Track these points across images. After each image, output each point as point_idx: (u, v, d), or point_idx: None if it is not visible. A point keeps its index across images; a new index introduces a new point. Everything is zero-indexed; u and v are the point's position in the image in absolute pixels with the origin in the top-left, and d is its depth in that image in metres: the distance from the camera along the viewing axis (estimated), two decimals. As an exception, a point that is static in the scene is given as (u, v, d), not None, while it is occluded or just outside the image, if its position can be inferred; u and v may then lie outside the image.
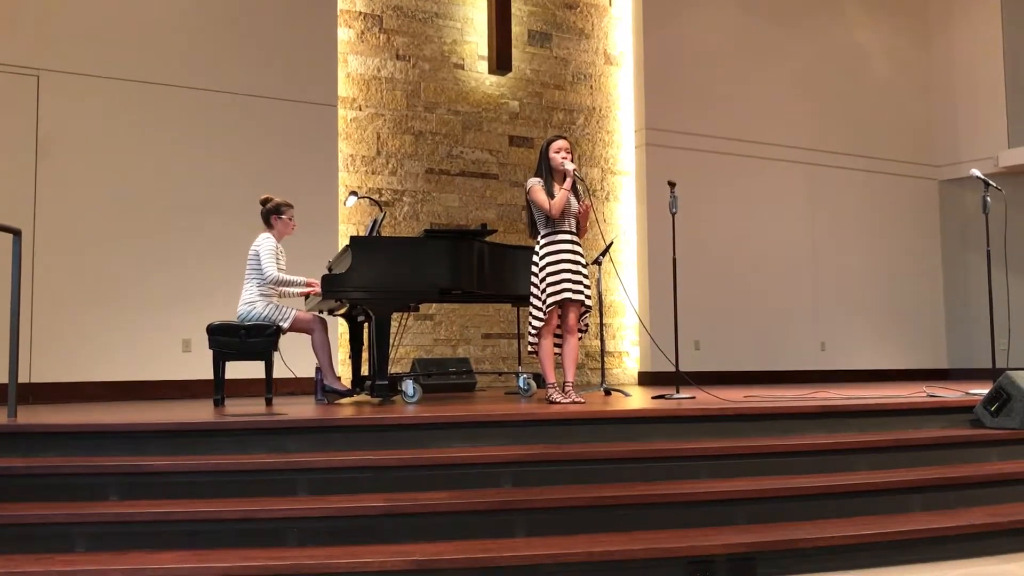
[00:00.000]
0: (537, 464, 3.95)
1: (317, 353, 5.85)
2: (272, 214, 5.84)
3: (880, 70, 11.75)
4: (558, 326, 5.32)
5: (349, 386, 6.27)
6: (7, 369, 4.47)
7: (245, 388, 7.04)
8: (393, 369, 7.58)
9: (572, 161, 5.28)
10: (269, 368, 5.62)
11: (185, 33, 8.07)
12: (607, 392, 6.41)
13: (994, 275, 6.05)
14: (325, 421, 4.16)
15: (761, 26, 10.90)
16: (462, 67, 9.46)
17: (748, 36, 10.80)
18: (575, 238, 5.28)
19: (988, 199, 6.02)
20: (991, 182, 6.06)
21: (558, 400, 5.16)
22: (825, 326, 10.98)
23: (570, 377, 5.31)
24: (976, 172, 6.19)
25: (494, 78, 9.59)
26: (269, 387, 5.66)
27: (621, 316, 10.02)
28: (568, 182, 5.20)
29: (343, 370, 7.97)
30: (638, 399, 5.82)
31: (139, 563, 3.22)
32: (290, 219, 5.90)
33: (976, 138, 11.51)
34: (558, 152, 5.25)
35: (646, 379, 9.80)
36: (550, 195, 5.19)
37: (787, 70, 11.01)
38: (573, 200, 5.27)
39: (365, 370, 6.66)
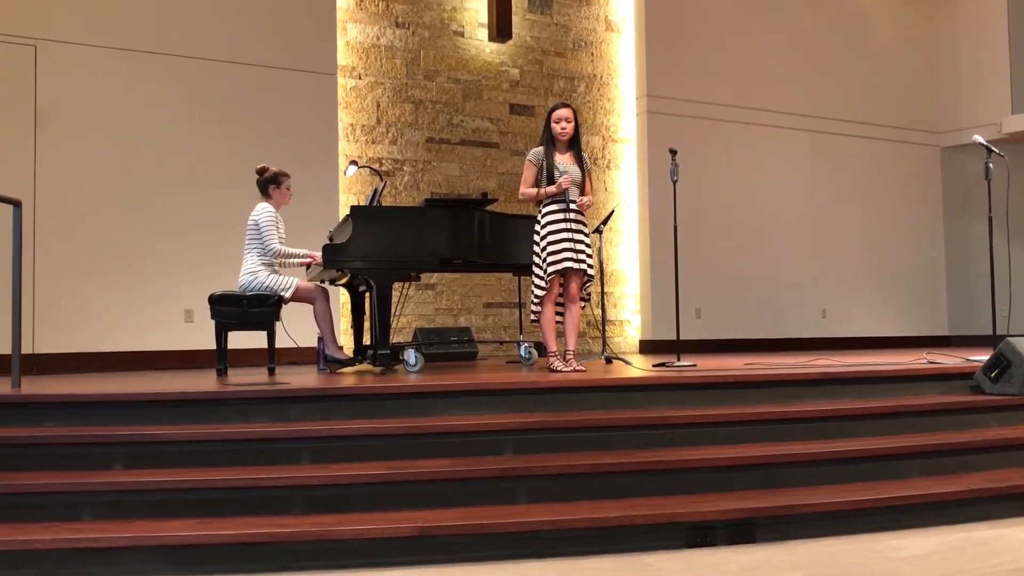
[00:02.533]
0: (538, 432, 3.97)
1: (319, 323, 5.87)
2: (270, 184, 5.83)
3: (883, 36, 11.65)
4: (560, 295, 5.32)
5: (351, 355, 6.29)
6: (10, 340, 4.49)
7: (247, 358, 7.07)
8: (395, 338, 7.59)
9: (575, 128, 5.26)
10: (271, 338, 5.64)
11: (182, 1, 8.00)
12: (608, 360, 6.43)
13: (996, 242, 6.04)
14: (327, 390, 4.18)
15: (763, -9, 10.81)
16: (462, 34, 9.38)
17: (750, 1, 10.70)
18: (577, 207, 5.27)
19: (991, 165, 5.99)
20: (994, 148, 6.03)
21: (559, 368, 5.18)
22: (826, 293, 10.98)
23: (571, 345, 5.32)
24: (979, 138, 6.16)
25: (494, 45, 9.52)
26: (271, 357, 5.67)
27: (622, 285, 10.02)
28: (553, 189, 5.16)
29: (345, 340, 8.00)
30: (639, 367, 5.84)
31: (145, 531, 3.25)
32: (288, 188, 5.90)
33: (979, 104, 11.44)
34: (558, 122, 5.24)
35: (647, 347, 9.82)
36: (550, 168, 5.18)
37: (789, 36, 10.92)
38: (576, 169, 5.25)
39: (367, 339, 6.68)
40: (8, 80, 7.37)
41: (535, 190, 5.21)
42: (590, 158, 5.39)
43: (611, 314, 9.90)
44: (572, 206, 5.20)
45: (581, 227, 5.25)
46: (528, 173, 5.25)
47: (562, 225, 5.18)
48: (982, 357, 5.24)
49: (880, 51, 11.59)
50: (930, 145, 11.89)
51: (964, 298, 11.65)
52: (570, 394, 4.30)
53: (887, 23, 11.69)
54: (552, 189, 5.15)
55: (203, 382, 4.94)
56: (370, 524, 3.33)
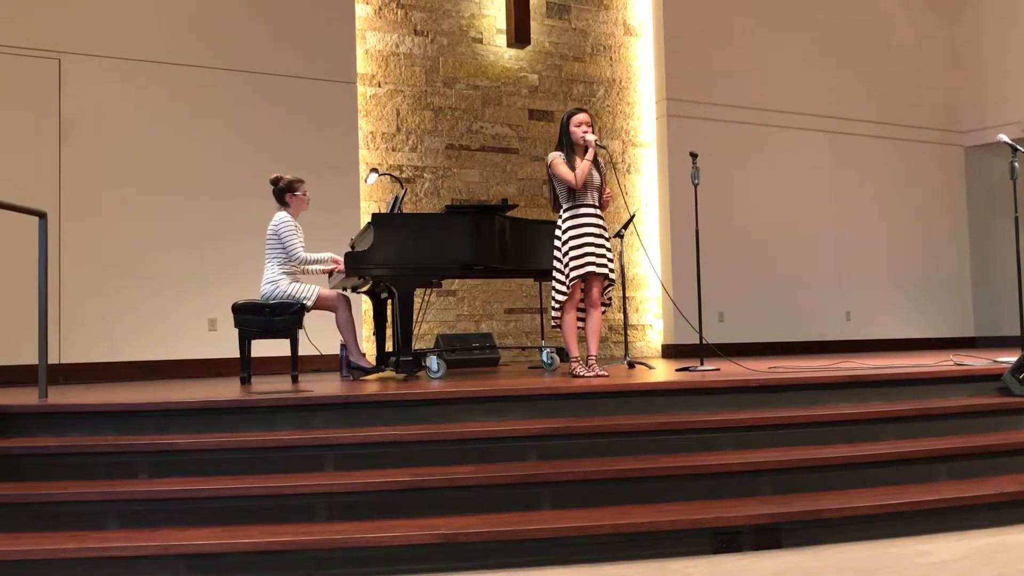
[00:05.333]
0: (561, 437, 3.96)
1: (342, 330, 5.88)
2: (286, 192, 5.85)
3: (904, 35, 11.57)
4: (581, 300, 5.31)
5: (374, 362, 6.30)
6: (37, 350, 4.53)
7: (271, 366, 7.10)
8: (417, 345, 7.61)
9: (592, 134, 5.25)
10: (294, 346, 5.66)
11: (204, 13, 8.08)
12: (631, 365, 6.41)
13: (1022, 241, 5.96)
14: (351, 397, 4.19)
15: (783, -7, 10.76)
16: (480, 41, 9.40)
17: (769, 3, 10.66)
18: (598, 211, 5.26)
19: (1015, 164, 5.92)
20: (1019, 147, 5.96)
21: (581, 374, 5.17)
22: (850, 295, 10.90)
23: (593, 351, 5.31)
24: (1003, 137, 6.09)
25: (513, 51, 9.53)
26: (295, 364, 5.70)
27: (644, 289, 9.99)
28: (590, 153, 5.17)
29: (368, 347, 8.02)
30: (662, 372, 5.82)
31: (170, 539, 3.27)
32: (304, 194, 5.91)
33: (1003, 103, 11.31)
34: (579, 126, 5.22)
35: (670, 352, 9.78)
36: (571, 168, 5.17)
37: (809, 37, 10.86)
38: (595, 173, 5.25)
39: (389, 346, 6.70)
40: (33, 93, 7.46)
41: (584, 166, 5.16)
42: (609, 162, 5.37)
43: (633, 319, 9.87)
44: (594, 211, 5.18)
45: (602, 231, 5.24)
46: (563, 168, 5.21)
47: (583, 230, 5.17)
48: (1010, 358, 5.18)
49: (901, 50, 11.50)
50: (954, 145, 11.78)
51: (990, 299, 11.52)
52: (593, 399, 4.29)
53: (907, 21, 11.60)
54: (590, 153, 5.15)
55: (227, 390, 4.97)
56: (394, 531, 3.33)
